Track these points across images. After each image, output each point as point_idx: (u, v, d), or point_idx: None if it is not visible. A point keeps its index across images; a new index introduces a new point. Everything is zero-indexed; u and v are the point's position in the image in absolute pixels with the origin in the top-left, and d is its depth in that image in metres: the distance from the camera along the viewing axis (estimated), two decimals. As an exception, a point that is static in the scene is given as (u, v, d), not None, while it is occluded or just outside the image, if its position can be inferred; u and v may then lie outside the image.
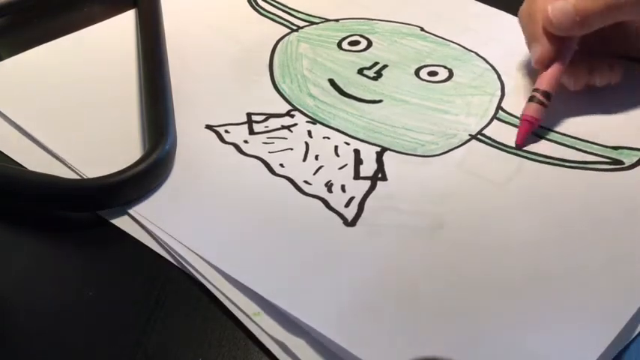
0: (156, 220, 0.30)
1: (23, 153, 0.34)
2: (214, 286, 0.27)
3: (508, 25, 0.43)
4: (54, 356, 0.25)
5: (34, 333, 0.26)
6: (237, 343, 0.25)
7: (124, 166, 0.31)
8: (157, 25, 0.43)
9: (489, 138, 0.35)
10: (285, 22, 0.44)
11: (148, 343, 0.25)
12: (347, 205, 0.31)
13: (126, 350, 0.25)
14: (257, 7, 0.46)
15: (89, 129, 0.36)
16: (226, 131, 0.35)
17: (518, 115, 0.36)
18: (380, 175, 0.33)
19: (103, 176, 0.31)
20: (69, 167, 0.33)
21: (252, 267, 0.28)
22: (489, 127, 0.36)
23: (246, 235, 0.30)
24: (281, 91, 0.38)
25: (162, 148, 0.32)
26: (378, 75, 0.39)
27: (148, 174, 0.31)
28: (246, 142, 0.34)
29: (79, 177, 0.32)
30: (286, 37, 0.43)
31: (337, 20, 0.44)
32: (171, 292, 0.27)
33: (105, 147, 0.34)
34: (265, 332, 0.25)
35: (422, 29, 0.44)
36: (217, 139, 0.34)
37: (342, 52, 0.41)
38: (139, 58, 0.40)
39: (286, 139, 0.35)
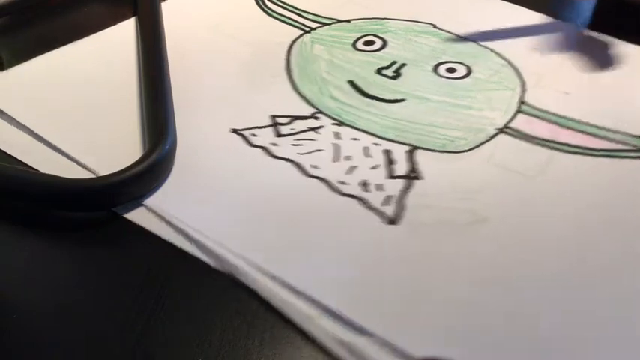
0: (192, 223, 0.29)
1: (27, 153, 0.33)
2: (269, 293, 0.26)
3: (522, 19, 0.44)
4: (53, 356, 0.25)
5: (34, 333, 0.25)
6: (237, 343, 0.25)
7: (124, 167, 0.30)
8: (155, 24, 0.42)
9: (516, 131, 0.35)
10: (296, 24, 0.44)
11: (148, 343, 0.25)
12: (385, 203, 0.31)
13: (126, 350, 0.25)
14: (266, 9, 0.45)
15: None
16: (253, 135, 0.34)
17: (543, 108, 0.37)
18: (414, 174, 0.32)
19: (103, 176, 0.30)
20: (83, 167, 0.32)
21: (304, 270, 0.27)
22: (515, 120, 0.36)
23: (288, 238, 0.29)
24: (302, 93, 0.38)
25: (162, 149, 0.31)
26: (397, 74, 0.39)
27: (148, 174, 0.31)
28: (274, 144, 0.34)
29: (89, 176, 0.32)
30: (300, 39, 0.42)
31: (349, 21, 0.44)
32: (172, 292, 0.27)
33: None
34: (326, 333, 0.25)
35: (435, 26, 0.44)
36: (244, 143, 0.34)
37: (358, 52, 0.41)
38: (139, 59, 0.40)
39: (314, 140, 0.34)
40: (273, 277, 0.27)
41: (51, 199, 0.30)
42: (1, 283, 0.28)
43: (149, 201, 0.31)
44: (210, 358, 0.24)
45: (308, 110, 0.36)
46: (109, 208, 0.30)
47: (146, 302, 0.26)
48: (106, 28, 0.44)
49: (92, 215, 0.31)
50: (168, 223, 0.30)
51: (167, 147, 0.32)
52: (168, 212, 0.30)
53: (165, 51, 0.40)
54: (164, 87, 0.36)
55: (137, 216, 0.30)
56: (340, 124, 0.35)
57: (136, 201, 0.31)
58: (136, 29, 0.44)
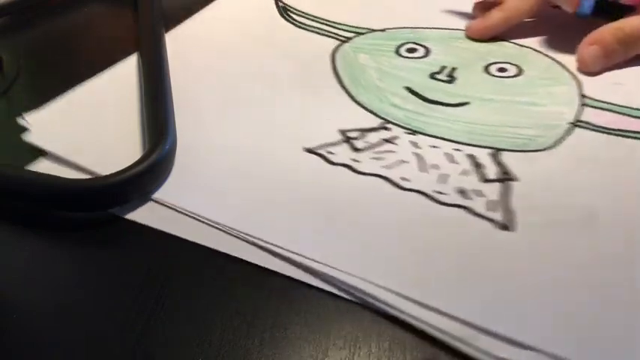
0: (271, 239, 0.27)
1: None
2: (411, 315, 0.25)
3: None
4: (53, 356, 0.24)
5: (34, 333, 0.25)
6: (237, 343, 0.25)
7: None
8: (155, 25, 0.42)
9: (589, 123, 0.35)
10: (330, 34, 0.42)
11: (148, 343, 0.24)
12: (491, 209, 0.29)
13: (126, 350, 0.24)
14: (294, 22, 0.44)
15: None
16: (330, 152, 0.32)
17: (605, 100, 0.36)
18: (508, 176, 0.31)
19: (103, 176, 0.30)
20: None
21: (440, 292, 0.25)
22: (583, 114, 0.35)
23: (407, 255, 0.27)
24: (362, 104, 0.36)
25: (161, 149, 0.31)
26: (452, 78, 0.38)
27: (148, 174, 0.30)
28: (355, 160, 0.32)
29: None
30: (340, 49, 0.41)
31: (383, 30, 0.43)
32: (172, 292, 0.27)
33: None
34: (484, 352, 0.23)
35: None
36: (324, 162, 0.32)
37: (403, 59, 0.40)
38: (140, 59, 0.39)
39: (394, 152, 0.33)
40: (410, 300, 0.25)
41: (51, 199, 0.30)
42: (1, 283, 0.27)
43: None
44: (210, 358, 0.24)
45: (375, 121, 0.35)
46: (109, 208, 0.30)
47: (146, 302, 0.26)
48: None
49: (92, 215, 0.30)
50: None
51: (167, 147, 0.31)
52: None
53: (165, 51, 0.39)
54: (164, 87, 0.36)
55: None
56: (413, 132, 0.34)
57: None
58: (137, 29, 0.43)
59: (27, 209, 0.30)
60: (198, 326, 0.25)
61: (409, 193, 0.30)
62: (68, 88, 0.38)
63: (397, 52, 0.40)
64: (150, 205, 0.30)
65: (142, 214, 0.29)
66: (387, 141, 0.33)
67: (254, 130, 0.34)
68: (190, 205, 0.29)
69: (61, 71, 0.41)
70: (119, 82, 0.38)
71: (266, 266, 0.27)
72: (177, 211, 0.29)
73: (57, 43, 0.44)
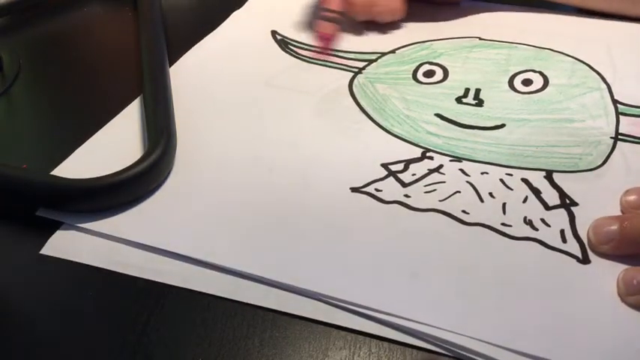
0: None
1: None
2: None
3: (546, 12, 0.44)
4: (54, 356, 0.24)
5: (35, 333, 0.25)
6: (237, 343, 0.24)
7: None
8: (155, 24, 0.42)
9: (629, 135, 0.34)
10: (340, 66, 0.40)
11: (148, 343, 0.24)
12: (564, 240, 0.28)
13: (126, 350, 0.24)
14: (300, 57, 0.41)
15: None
16: (377, 190, 0.30)
17: (638, 105, 0.36)
18: (568, 201, 0.30)
19: (103, 176, 0.29)
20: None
21: (518, 333, 0.24)
22: (621, 125, 0.34)
23: (482, 298, 0.25)
24: (399, 135, 0.34)
25: (161, 149, 0.31)
26: (479, 100, 0.36)
27: (148, 174, 0.30)
28: (407, 196, 0.30)
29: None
30: (355, 81, 0.38)
31: (393, 51, 0.41)
32: (172, 292, 0.26)
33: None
34: None
35: (480, 38, 0.42)
36: (375, 201, 0.29)
37: (424, 85, 0.38)
38: (141, 60, 0.39)
39: (445, 182, 0.31)
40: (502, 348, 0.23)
41: (51, 199, 0.29)
42: (1, 283, 0.27)
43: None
44: (210, 358, 0.24)
45: (415, 151, 0.33)
46: (110, 207, 0.29)
47: (146, 302, 0.26)
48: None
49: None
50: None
51: (167, 147, 0.31)
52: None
53: (166, 52, 0.39)
54: (165, 88, 0.36)
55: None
56: (458, 159, 0.32)
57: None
58: (137, 29, 0.43)
59: (26, 208, 0.30)
60: (198, 326, 0.25)
61: (475, 227, 0.28)
62: (68, 88, 0.39)
63: (415, 77, 0.38)
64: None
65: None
66: (433, 171, 0.31)
67: (291, 172, 0.32)
68: (230, 261, 0.27)
69: (61, 71, 0.41)
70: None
71: (328, 321, 0.25)
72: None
73: (57, 43, 0.44)
